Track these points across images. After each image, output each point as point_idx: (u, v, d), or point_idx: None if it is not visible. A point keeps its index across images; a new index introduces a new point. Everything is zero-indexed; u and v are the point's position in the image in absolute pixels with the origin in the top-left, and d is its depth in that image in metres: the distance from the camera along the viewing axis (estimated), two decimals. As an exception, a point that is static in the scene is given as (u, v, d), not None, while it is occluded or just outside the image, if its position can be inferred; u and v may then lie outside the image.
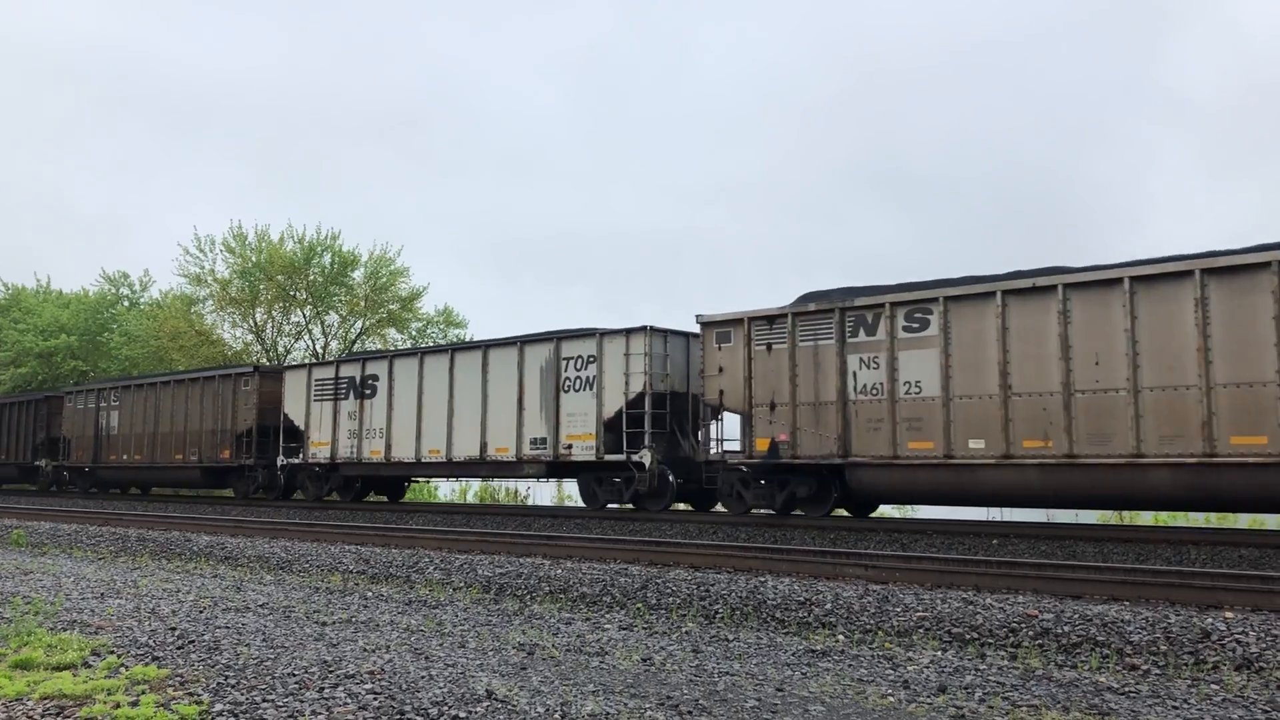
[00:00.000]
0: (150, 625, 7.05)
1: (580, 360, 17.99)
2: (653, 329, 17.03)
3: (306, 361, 22.95)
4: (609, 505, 18.13)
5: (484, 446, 19.22)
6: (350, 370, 22.17)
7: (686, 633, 7.44)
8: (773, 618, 7.97)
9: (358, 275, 36.20)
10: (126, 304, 42.95)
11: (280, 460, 23.58)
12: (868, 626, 7.50)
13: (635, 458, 16.90)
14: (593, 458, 17.60)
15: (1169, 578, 8.48)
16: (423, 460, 20.36)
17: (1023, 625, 7.05)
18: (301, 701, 4.75)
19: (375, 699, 4.79)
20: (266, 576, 11.04)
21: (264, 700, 4.77)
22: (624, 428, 17.08)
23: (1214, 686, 5.63)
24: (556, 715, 4.61)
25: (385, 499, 24.14)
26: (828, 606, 7.95)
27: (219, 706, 4.66)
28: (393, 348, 21.13)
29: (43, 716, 4.60)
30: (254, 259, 35.68)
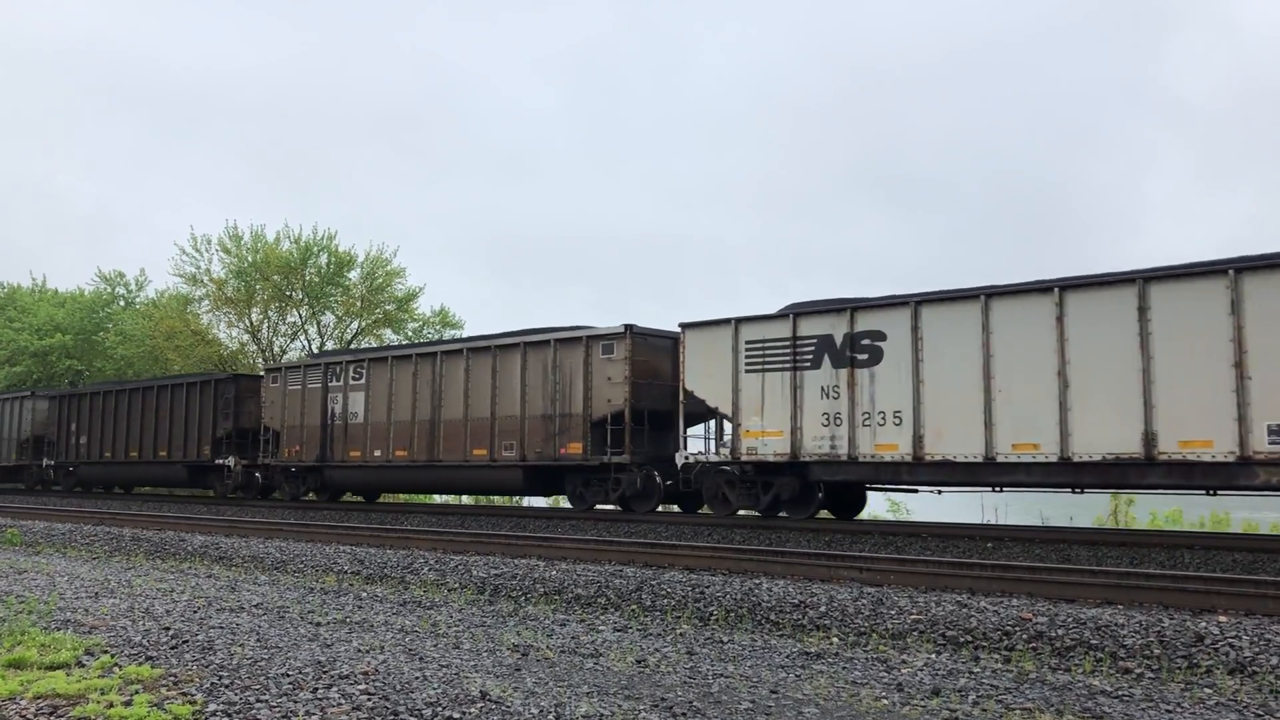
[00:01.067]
0: (144, 625, 7.04)
1: None
2: None
3: (729, 317, 15.86)
4: None
5: (1150, 438, 12.09)
6: (818, 326, 15.10)
7: (681, 634, 7.44)
8: (767, 620, 7.97)
9: (354, 275, 36.22)
10: (122, 303, 42.88)
11: (683, 456, 16.57)
12: (862, 629, 7.51)
13: None
14: None
15: (1163, 581, 8.50)
16: (999, 458, 13.29)
17: (1017, 628, 7.06)
18: (295, 702, 4.74)
19: (369, 699, 4.79)
20: (261, 577, 11.03)
21: (258, 700, 4.76)
22: None
23: (1207, 690, 5.64)
24: (550, 717, 4.61)
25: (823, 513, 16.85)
26: (822, 609, 7.96)
27: (213, 706, 4.65)
28: (903, 293, 14.66)
29: (35, 716, 4.59)
30: (250, 259, 35.66)
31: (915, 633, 7.29)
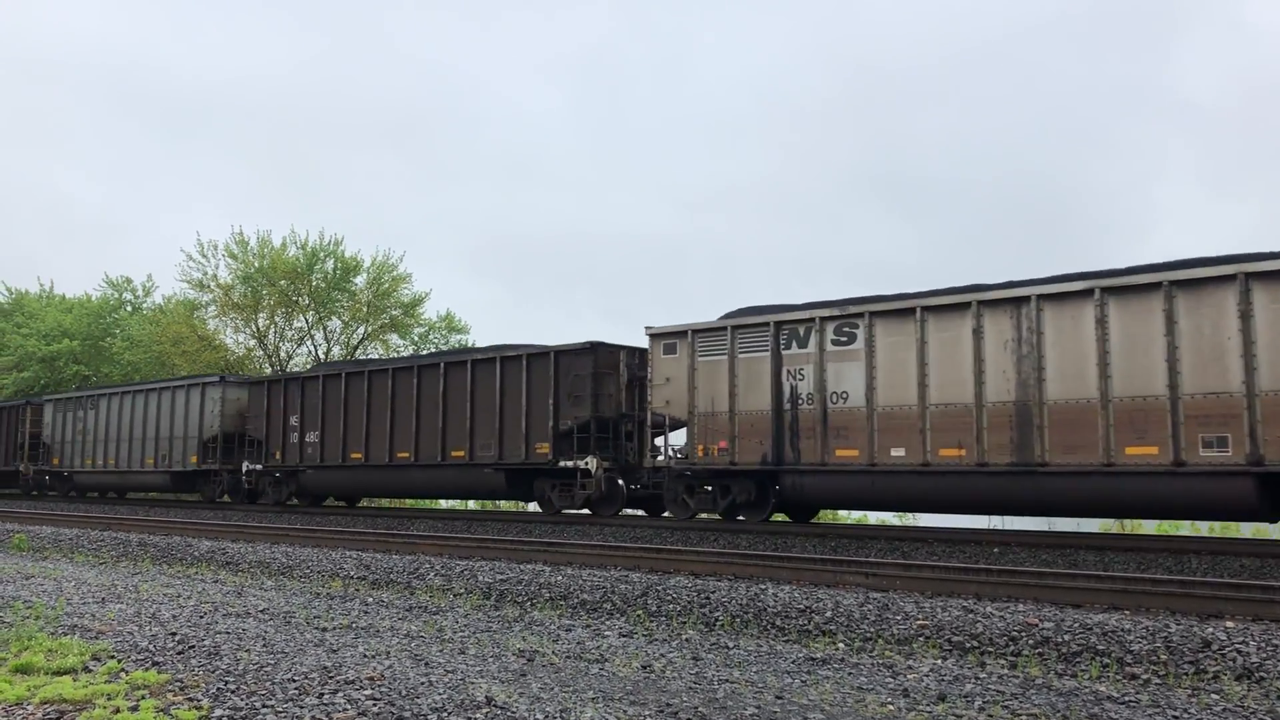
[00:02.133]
0: (151, 630, 7.06)
1: None
2: None
3: None
4: None
5: None
6: None
7: (687, 640, 7.43)
8: (773, 625, 7.96)
9: (360, 281, 36.33)
10: (129, 309, 43.04)
11: None
12: (868, 634, 7.50)
13: None
14: None
15: (1170, 587, 8.47)
16: None
17: (1023, 634, 7.04)
18: (301, 707, 4.75)
19: (375, 705, 4.79)
20: (267, 582, 11.05)
21: (264, 706, 4.77)
22: None
23: (1214, 696, 5.62)
24: (556, 722, 4.61)
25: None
26: (828, 614, 7.95)
27: (219, 712, 4.66)
28: None
29: (43, 721, 4.61)
30: (256, 264, 35.78)
31: (921, 638, 7.28)
